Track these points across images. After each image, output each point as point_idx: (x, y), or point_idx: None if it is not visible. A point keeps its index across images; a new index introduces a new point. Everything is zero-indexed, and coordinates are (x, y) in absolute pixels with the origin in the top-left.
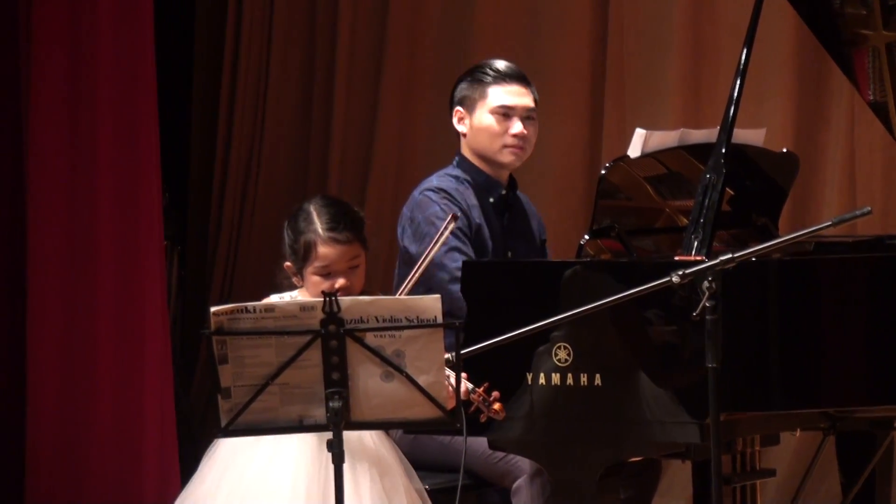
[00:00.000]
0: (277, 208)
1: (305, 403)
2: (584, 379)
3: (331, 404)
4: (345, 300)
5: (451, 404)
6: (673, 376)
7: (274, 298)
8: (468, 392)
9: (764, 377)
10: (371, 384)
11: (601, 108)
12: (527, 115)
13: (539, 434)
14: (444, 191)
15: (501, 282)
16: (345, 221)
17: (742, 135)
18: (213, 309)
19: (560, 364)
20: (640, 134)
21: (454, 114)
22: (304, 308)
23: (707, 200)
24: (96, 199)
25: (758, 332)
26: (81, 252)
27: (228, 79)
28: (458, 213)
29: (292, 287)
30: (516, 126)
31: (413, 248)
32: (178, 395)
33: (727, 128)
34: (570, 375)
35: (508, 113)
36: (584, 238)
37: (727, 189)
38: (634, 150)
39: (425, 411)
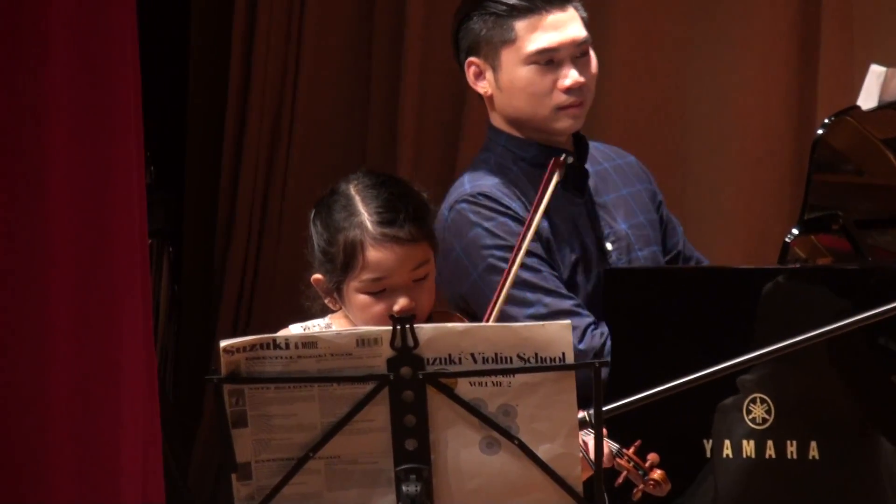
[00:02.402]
0: (320, 190)
1: (366, 487)
2: (791, 449)
3: (405, 488)
4: (425, 329)
5: (585, 475)
6: None
7: (296, 330)
8: (612, 456)
9: None
10: (465, 457)
11: (816, 36)
12: (580, 53)
13: None
14: (485, 196)
15: (667, 301)
16: (406, 210)
17: None
18: (223, 343)
19: (756, 426)
20: (876, 73)
21: (466, 67)
22: (364, 341)
23: None
24: (46, 176)
25: None
26: (24, 254)
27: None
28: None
29: (325, 311)
30: (568, 75)
31: (462, 289)
32: (169, 472)
33: None
34: (769, 444)
35: (553, 58)
36: (791, 233)
37: None
38: (868, 99)
39: (548, 497)
